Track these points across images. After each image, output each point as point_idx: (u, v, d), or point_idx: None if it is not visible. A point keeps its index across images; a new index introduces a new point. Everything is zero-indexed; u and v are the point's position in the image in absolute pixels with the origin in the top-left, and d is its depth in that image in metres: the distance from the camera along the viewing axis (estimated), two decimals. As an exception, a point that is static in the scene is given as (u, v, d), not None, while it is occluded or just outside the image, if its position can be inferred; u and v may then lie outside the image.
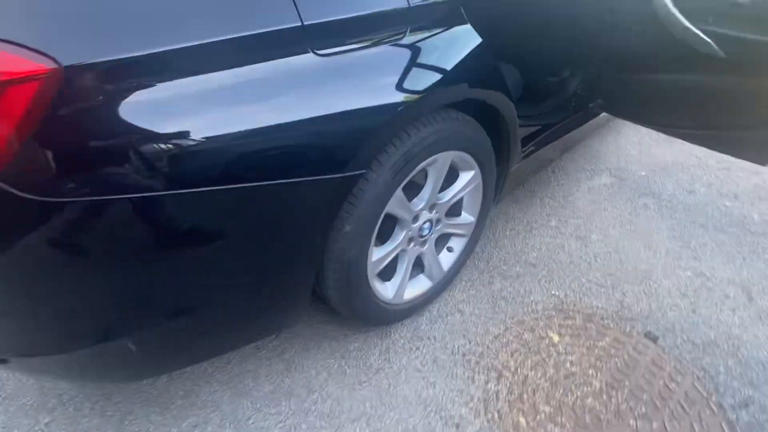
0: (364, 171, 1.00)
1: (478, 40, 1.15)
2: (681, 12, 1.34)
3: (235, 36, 0.77)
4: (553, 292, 1.61)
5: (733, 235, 1.85)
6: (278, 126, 0.84)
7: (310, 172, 0.91)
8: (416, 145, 1.11)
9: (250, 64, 0.80)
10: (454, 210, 1.48)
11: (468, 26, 1.12)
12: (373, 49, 0.93)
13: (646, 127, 1.79)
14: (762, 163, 1.51)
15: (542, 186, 2.21)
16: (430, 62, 1.03)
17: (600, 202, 2.08)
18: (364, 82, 0.93)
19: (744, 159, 1.51)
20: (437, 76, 1.04)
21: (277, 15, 0.81)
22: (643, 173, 2.29)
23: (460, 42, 1.10)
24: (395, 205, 1.18)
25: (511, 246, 1.84)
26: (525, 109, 1.81)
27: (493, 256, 1.79)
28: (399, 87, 0.98)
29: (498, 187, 1.64)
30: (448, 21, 1.08)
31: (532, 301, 1.58)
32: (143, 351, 0.95)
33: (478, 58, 1.14)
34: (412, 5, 0.97)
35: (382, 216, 1.16)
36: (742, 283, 1.62)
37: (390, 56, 0.96)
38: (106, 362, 0.96)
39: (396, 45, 0.97)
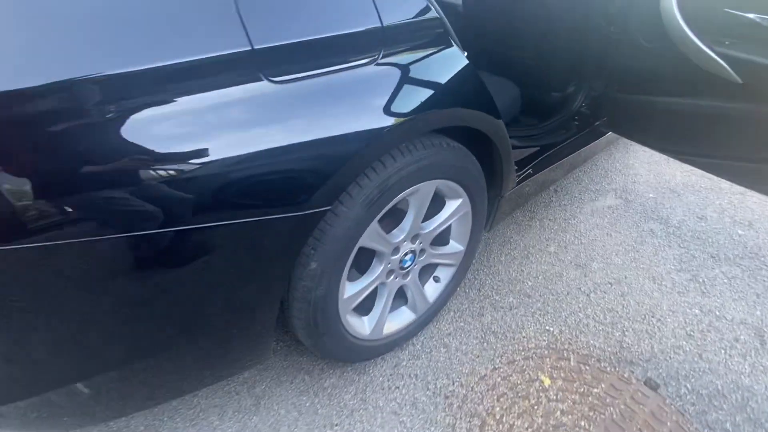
0: (329, 207, 0.90)
1: (464, 62, 1.04)
2: (694, 31, 1.22)
3: (173, 63, 0.67)
4: (547, 328, 1.50)
5: (746, 268, 1.72)
6: (226, 161, 0.75)
7: (264, 211, 0.81)
8: (392, 176, 1.01)
9: (192, 93, 0.70)
10: (441, 239, 1.38)
11: (453, 48, 1.01)
12: (339, 75, 0.83)
13: (655, 150, 1.66)
14: None
15: (543, 207, 2.09)
16: (407, 88, 0.92)
17: (603, 227, 1.96)
18: (328, 112, 0.83)
19: (762, 193, 1.38)
20: (415, 103, 0.94)
21: (223, 38, 0.71)
22: (651, 195, 2.16)
23: (442, 65, 0.99)
24: (370, 238, 1.08)
25: (506, 273, 1.73)
26: (523, 129, 1.70)
27: (485, 284, 1.68)
28: (370, 116, 0.88)
29: (491, 214, 1.54)
30: (429, 42, 0.97)
31: (523, 338, 1.47)
32: (97, 395, 0.87)
33: (463, 82, 1.03)
34: (386, 26, 0.87)
35: (355, 250, 1.06)
36: (755, 324, 1.49)
37: (359, 82, 0.86)
38: (55, 410, 0.88)
39: (366, 70, 0.87)
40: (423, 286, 1.42)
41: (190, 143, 0.72)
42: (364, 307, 1.27)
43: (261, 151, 0.78)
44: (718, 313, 1.54)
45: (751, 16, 1.10)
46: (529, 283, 1.68)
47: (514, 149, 1.55)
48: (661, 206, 2.08)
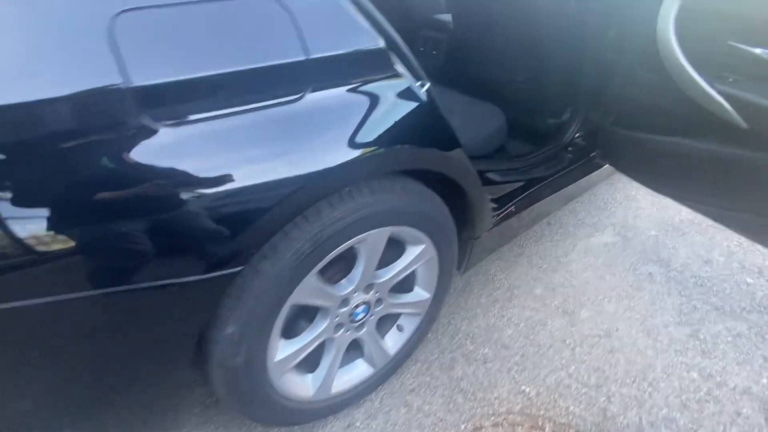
0: (241, 268, 0.77)
1: (418, 96, 0.90)
2: (694, 65, 1.06)
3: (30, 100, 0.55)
4: (522, 388, 1.34)
5: (754, 325, 1.53)
6: (106, 220, 0.63)
7: (155, 275, 0.69)
8: (328, 227, 0.87)
9: (54, 140, 0.58)
10: (404, 285, 1.23)
11: (403, 80, 0.87)
12: (251, 115, 0.70)
13: (652, 190, 1.50)
14: None
15: (533, 242, 1.93)
16: (340, 129, 0.79)
17: (597, 267, 1.79)
18: (236, 157, 0.70)
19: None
20: (350, 146, 0.80)
21: (89, 72, 0.58)
22: (652, 233, 1.98)
23: (387, 101, 0.85)
24: (306, 294, 0.94)
25: (484, 318, 1.57)
26: (506, 161, 1.55)
27: (460, 330, 1.53)
28: (290, 161, 0.75)
29: (464, 256, 1.39)
30: (374, 76, 0.83)
31: (495, 399, 1.31)
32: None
33: (415, 119, 0.89)
34: (313, 58, 0.74)
35: (286, 308, 0.92)
36: (760, 395, 1.31)
37: (278, 123, 0.73)
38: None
39: (287, 109, 0.73)
40: (383, 336, 1.28)
41: (57, 200, 0.60)
42: (311, 362, 1.13)
43: (149, 207, 0.65)
44: (719, 378, 1.36)
45: (757, 51, 0.95)
46: (509, 332, 1.52)
47: (494, 185, 1.41)
48: (662, 246, 1.91)
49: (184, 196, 0.67)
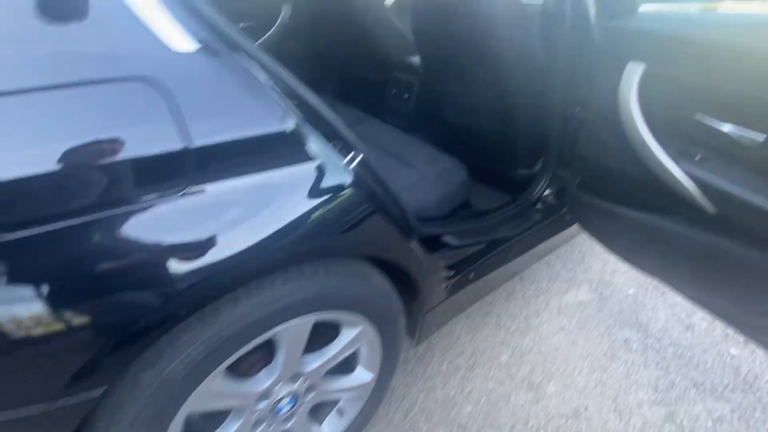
0: (104, 388, 0.64)
1: (338, 176, 0.79)
2: (658, 135, 0.96)
3: None
4: (477, 482, 1.20)
5: (737, 406, 1.40)
6: None
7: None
8: (230, 326, 0.75)
9: None
10: (345, 366, 1.10)
11: (316, 164, 0.76)
12: (120, 213, 0.59)
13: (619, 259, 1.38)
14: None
15: (503, 298, 1.81)
16: (235, 224, 0.67)
17: (570, 331, 1.67)
18: (100, 262, 0.58)
19: (738, 331, 1.09)
20: (247, 242, 0.69)
21: None
22: (630, 291, 1.86)
23: (295, 189, 0.73)
24: (207, 399, 0.81)
25: (443, 390, 1.44)
26: (467, 221, 1.43)
27: (416, 404, 1.39)
28: (173, 261, 0.63)
29: (416, 329, 1.26)
30: (276, 161, 0.72)
31: (445, 495, 1.17)
32: None
33: (331, 205, 0.78)
34: (196, 147, 0.62)
35: (182, 417, 0.79)
36: (742, 497, 1.17)
37: (154, 221, 0.61)
38: None
39: (169, 206, 0.62)
40: (321, 423, 1.14)
41: None
42: None
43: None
44: (696, 474, 1.22)
45: (726, 128, 0.84)
46: (468, 409, 1.38)
47: (450, 249, 1.29)
48: (641, 307, 1.78)
49: (26, 310, 0.55)
